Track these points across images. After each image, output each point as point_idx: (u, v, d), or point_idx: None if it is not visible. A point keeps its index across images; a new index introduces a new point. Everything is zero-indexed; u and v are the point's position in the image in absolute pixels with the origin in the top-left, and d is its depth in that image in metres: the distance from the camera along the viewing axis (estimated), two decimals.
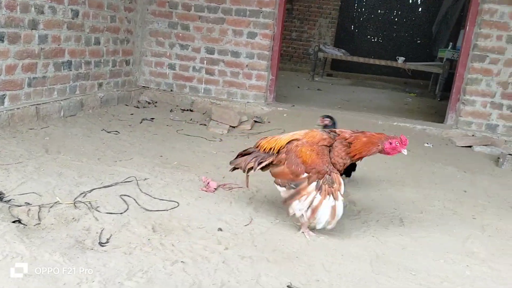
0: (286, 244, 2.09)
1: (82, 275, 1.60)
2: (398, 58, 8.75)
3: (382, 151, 2.17)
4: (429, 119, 5.52)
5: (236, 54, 5.15)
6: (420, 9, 11.94)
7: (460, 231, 2.47)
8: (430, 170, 3.64)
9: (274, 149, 2.23)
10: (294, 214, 2.13)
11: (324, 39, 11.00)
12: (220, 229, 2.18)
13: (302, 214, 2.10)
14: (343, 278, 1.84)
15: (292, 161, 2.13)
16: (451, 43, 8.35)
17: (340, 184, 2.09)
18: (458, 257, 2.15)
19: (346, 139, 2.18)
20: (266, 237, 2.14)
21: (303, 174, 2.10)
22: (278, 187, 2.20)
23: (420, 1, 11.86)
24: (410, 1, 11.93)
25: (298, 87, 7.79)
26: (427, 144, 4.47)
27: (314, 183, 2.08)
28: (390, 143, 2.14)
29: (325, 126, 2.89)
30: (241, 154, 2.41)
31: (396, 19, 12.02)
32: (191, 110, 5.05)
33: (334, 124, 2.95)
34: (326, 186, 2.07)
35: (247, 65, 5.16)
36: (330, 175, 2.08)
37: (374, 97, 7.73)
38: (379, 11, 12.03)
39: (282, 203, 2.24)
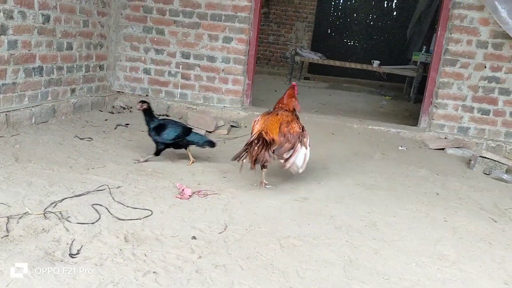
0: (260, 251, 2.09)
1: None
2: (373, 62, 8.88)
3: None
4: (404, 122, 5.62)
5: (212, 58, 5.14)
6: (395, 13, 12.15)
7: (431, 234, 2.51)
8: (404, 173, 3.70)
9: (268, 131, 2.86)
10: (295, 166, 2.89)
11: (301, 42, 11.08)
12: (194, 237, 2.16)
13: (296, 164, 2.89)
14: (317, 285, 1.85)
15: (289, 138, 2.87)
16: (424, 47, 8.52)
17: (307, 138, 2.98)
18: (429, 260, 2.19)
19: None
20: (241, 245, 2.14)
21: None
22: (285, 155, 2.86)
23: (395, 5, 12.08)
24: (385, 5, 12.14)
25: (276, 91, 7.81)
26: (401, 147, 4.54)
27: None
28: (296, 90, 3.24)
29: (144, 110, 3.39)
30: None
31: (371, 23, 12.21)
32: (167, 115, 5.01)
33: (150, 106, 3.42)
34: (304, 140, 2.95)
35: (223, 70, 5.15)
36: (303, 132, 2.97)
37: (350, 100, 7.82)
38: (355, 15, 12.19)
39: (283, 166, 2.87)
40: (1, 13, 3.46)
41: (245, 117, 5.08)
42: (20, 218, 2.12)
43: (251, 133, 2.94)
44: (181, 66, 5.19)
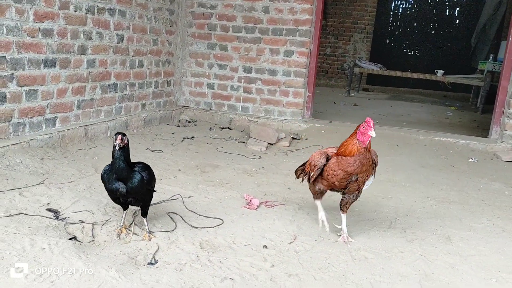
0: (332, 262, 2.09)
1: None
2: (437, 71, 8.59)
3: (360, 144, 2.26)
4: (471, 133, 5.38)
5: (273, 72, 5.23)
6: (457, 21, 11.72)
7: (510, 249, 2.39)
8: (476, 186, 3.54)
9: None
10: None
11: (359, 54, 10.96)
12: (265, 247, 2.21)
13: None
14: None
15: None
16: (491, 55, 8.14)
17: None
18: (510, 277, 2.08)
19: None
20: (312, 255, 2.15)
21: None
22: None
23: (458, 13, 11.65)
24: (447, 13, 11.75)
25: (334, 103, 7.77)
26: (472, 159, 4.35)
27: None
28: (360, 132, 2.25)
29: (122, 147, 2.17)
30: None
31: (432, 32, 11.85)
32: (230, 128, 5.14)
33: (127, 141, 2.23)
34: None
35: (284, 83, 5.22)
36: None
37: (413, 111, 7.60)
38: (415, 24, 11.90)
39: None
40: (82, 34, 3.75)
41: (306, 129, 5.10)
42: (103, 224, 2.26)
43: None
44: (243, 80, 5.33)
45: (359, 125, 2.27)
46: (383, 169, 3.85)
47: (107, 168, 2.14)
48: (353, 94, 9.31)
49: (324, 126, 5.15)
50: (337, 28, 11.11)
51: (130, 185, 2.06)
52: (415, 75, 8.84)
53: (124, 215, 2.23)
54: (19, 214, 2.22)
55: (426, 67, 10.38)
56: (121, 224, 2.22)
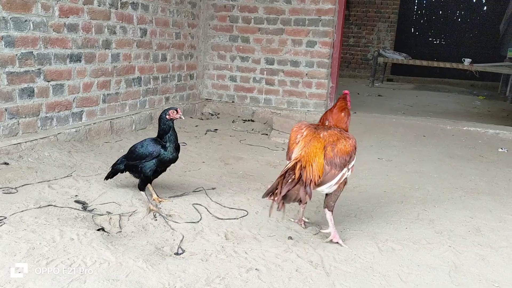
0: (358, 254, 2.06)
1: (165, 280, 1.68)
2: (464, 60, 8.37)
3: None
4: (501, 122, 5.23)
5: (295, 63, 5.18)
6: (485, 8, 11.37)
7: None
8: (506, 177, 3.43)
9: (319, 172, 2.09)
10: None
11: (383, 43, 10.77)
12: (290, 238, 2.20)
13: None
14: None
15: (337, 162, 2.11)
16: None
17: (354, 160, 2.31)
18: None
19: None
20: (337, 246, 2.13)
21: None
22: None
23: None
24: (474, 0, 11.40)
25: (358, 94, 7.66)
26: (502, 149, 4.22)
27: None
28: (349, 101, 2.52)
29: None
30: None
31: (459, 20, 11.53)
32: (252, 121, 5.13)
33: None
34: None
35: (306, 74, 5.17)
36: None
37: (440, 101, 7.43)
38: (440, 12, 11.60)
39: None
40: (106, 29, 3.79)
41: None
42: (130, 215, 2.29)
43: (288, 153, 2.26)
44: (265, 72, 5.30)
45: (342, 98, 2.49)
46: (410, 160, 3.79)
47: (154, 143, 2.47)
48: (377, 84, 9.16)
49: None
50: (360, 18, 10.94)
51: (178, 153, 2.54)
52: (441, 64, 8.63)
53: (152, 188, 2.54)
54: (48, 205, 2.27)
55: (453, 56, 10.13)
56: (152, 198, 2.50)
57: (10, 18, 2.96)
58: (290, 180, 1.99)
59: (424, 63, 8.78)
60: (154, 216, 2.30)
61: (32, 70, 3.17)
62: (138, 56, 4.22)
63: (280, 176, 2.03)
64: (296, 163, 2.04)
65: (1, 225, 2.00)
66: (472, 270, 1.97)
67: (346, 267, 1.93)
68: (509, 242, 2.29)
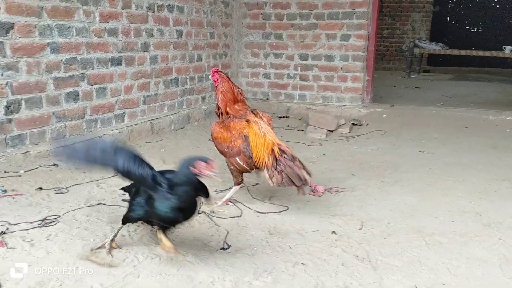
0: (404, 248, 2.04)
1: (214, 274, 1.72)
2: (504, 48, 8.06)
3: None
4: None
5: (329, 58, 5.15)
6: None
7: None
8: None
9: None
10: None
11: (418, 34, 10.52)
12: (334, 232, 2.20)
13: None
14: (472, 282, 1.75)
15: None
16: None
17: None
18: None
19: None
20: (382, 241, 2.11)
21: None
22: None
23: None
24: None
25: (394, 86, 7.53)
26: None
27: None
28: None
29: None
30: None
31: (497, 6, 11.09)
32: (288, 117, 5.14)
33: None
34: None
35: (341, 68, 5.12)
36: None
37: (480, 91, 7.20)
38: None
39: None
40: (144, 32, 3.89)
41: (366, 115, 4.99)
42: None
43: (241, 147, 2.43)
44: (299, 68, 5.29)
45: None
46: (452, 152, 3.70)
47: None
48: (413, 76, 8.96)
49: (386, 110, 5.01)
50: (393, 9, 10.72)
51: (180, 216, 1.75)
52: (480, 53, 8.35)
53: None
54: (99, 204, 2.37)
55: (492, 44, 9.76)
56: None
57: (55, 25, 3.10)
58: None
59: (462, 52, 8.52)
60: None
61: (76, 75, 3.30)
62: (175, 57, 4.31)
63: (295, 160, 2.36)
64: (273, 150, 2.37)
65: (56, 224, 2.10)
66: None
67: (393, 261, 1.91)
68: None
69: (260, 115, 2.54)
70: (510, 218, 2.39)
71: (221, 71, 2.65)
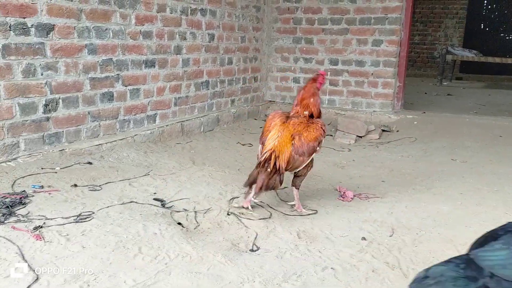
0: (436, 257, 2.00)
1: (244, 275, 1.73)
2: None
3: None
4: None
5: (360, 63, 5.11)
6: None
7: None
8: None
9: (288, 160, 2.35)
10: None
11: (451, 40, 10.32)
12: (364, 238, 2.17)
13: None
14: None
15: (305, 151, 2.38)
16: None
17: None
18: None
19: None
20: (414, 249, 2.08)
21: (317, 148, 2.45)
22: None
23: None
24: None
25: (426, 93, 7.40)
26: None
27: None
28: (320, 83, 2.57)
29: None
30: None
31: None
32: None
33: None
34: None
35: (372, 74, 5.07)
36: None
37: None
38: None
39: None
40: (177, 35, 3.96)
41: (396, 121, 4.92)
42: (205, 212, 2.38)
43: (262, 142, 2.44)
44: (329, 72, 5.27)
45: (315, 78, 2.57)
46: (486, 161, 3.61)
47: None
48: (445, 83, 8.78)
49: (417, 117, 4.93)
50: (425, 15, 10.56)
51: None
52: None
53: None
54: (131, 202, 2.42)
55: None
56: None
57: (93, 27, 3.19)
58: (269, 171, 2.27)
59: (497, 59, 8.30)
60: (228, 213, 2.36)
61: (112, 76, 3.38)
62: (206, 60, 4.36)
63: (258, 166, 2.31)
64: (271, 154, 2.31)
65: (91, 220, 2.16)
66: None
67: None
68: None
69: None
70: None
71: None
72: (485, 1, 11.11)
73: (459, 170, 3.38)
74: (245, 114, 5.01)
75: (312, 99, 2.50)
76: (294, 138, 2.35)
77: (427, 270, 1.19)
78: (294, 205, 2.51)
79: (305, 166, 2.40)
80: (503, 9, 10.94)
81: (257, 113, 5.27)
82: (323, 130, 2.44)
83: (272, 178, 2.27)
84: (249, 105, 5.17)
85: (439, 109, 5.55)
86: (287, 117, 2.48)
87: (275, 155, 2.30)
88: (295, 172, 2.45)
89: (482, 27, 11.11)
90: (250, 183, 2.33)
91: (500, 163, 3.55)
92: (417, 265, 1.92)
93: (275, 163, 2.27)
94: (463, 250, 2.06)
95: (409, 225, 2.36)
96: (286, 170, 2.34)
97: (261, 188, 2.25)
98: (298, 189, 2.50)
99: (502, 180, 3.15)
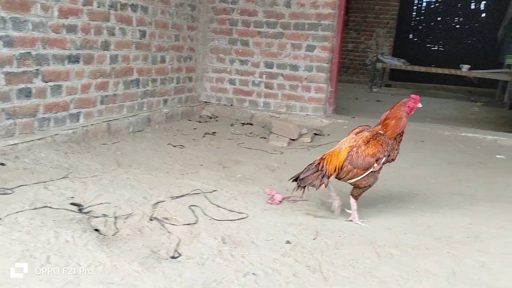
0: (356, 259, 2.04)
1: (160, 284, 1.65)
2: (462, 66, 8.39)
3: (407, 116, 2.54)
4: (499, 129, 5.24)
5: (294, 67, 5.18)
6: (483, 15, 11.42)
7: None
8: (506, 183, 3.43)
9: (337, 167, 2.47)
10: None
11: (381, 49, 10.80)
12: (288, 242, 2.18)
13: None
14: None
15: (359, 164, 2.45)
16: None
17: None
18: None
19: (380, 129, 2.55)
20: (335, 251, 2.11)
21: (374, 164, 2.47)
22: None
23: (484, 6, 11.36)
24: (473, 7, 11.46)
25: (357, 99, 7.67)
26: (500, 155, 4.22)
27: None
28: (409, 107, 2.52)
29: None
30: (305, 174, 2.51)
31: (457, 26, 11.58)
32: (251, 124, 5.12)
33: None
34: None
35: (305, 78, 5.16)
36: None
37: (438, 107, 7.44)
38: (439, 18, 11.65)
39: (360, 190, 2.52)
40: (105, 30, 3.77)
41: (328, 125, 5.04)
42: (126, 218, 2.27)
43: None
44: (264, 75, 5.30)
45: (404, 102, 2.55)
46: (408, 165, 3.77)
47: None
48: (375, 90, 9.18)
49: (347, 121, 5.07)
50: (359, 23, 10.97)
51: None
52: (439, 70, 8.66)
53: None
54: (44, 207, 2.25)
55: (451, 62, 10.15)
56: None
57: (9, 18, 2.95)
58: (312, 167, 2.47)
59: (422, 69, 8.80)
60: (150, 218, 2.27)
61: (30, 71, 3.15)
62: (136, 57, 4.20)
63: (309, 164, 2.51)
64: (322, 157, 2.50)
65: None
66: (471, 276, 1.96)
67: (345, 272, 1.91)
68: (509, 249, 2.28)
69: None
70: (460, 232, 2.44)
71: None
72: (414, 13, 11.77)
73: (382, 172, 3.50)
74: (178, 115, 4.89)
75: (393, 121, 2.50)
76: (352, 149, 2.46)
77: None
78: (350, 214, 2.54)
79: (361, 179, 2.47)
80: (430, 21, 11.65)
81: (192, 114, 5.17)
82: (383, 148, 2.45)
83: (313, 175, 2.44)
84: (183, 105, 5.05)
85: (368, 114, 5.76)
86: (361, 131, 2.57)
87: (325, 159, 2.48)
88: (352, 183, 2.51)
89: (410, 37, 11.75)
90: (294, 177, 2.50)
91: (420, 167, 3.74)
92: (337, 267, 1.95)
93: (321, 164, 2.46)
94: (382, 252, 2.13)
95: (332, 228, 2.39)
96: (337, 178, 2.47)
97: (299, 178, 2.45)
98: (355, 200, 2.53)
99: (421, 183, 3.31)
